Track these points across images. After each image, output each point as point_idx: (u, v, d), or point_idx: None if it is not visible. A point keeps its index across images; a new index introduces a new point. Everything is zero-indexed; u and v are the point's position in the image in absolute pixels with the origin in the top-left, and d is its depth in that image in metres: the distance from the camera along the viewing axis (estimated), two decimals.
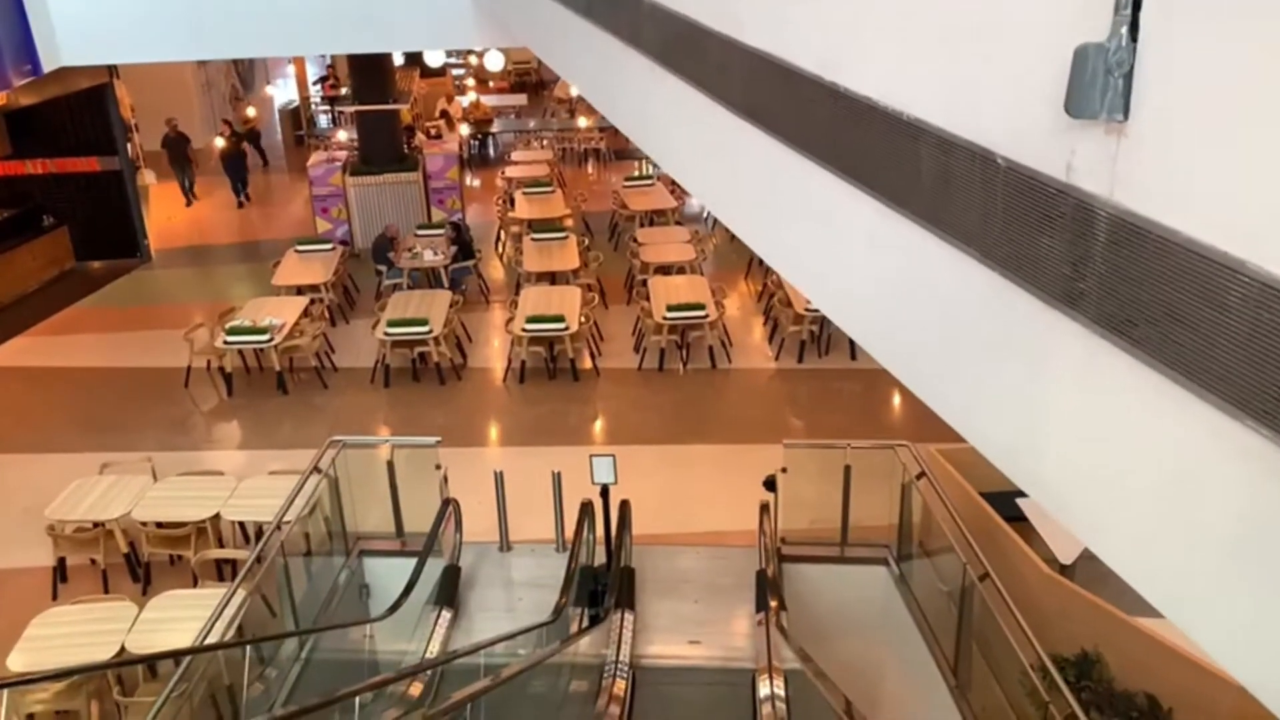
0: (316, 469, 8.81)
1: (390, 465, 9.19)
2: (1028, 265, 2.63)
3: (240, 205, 19.32)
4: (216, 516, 9.20)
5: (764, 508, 8.88)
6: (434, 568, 8.83)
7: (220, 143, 18.73)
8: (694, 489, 10.73)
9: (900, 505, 8.79)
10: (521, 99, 24.80)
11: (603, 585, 8.34)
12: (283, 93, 26.05)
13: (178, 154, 19.04)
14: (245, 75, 26.43)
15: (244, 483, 9.61)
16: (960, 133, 2.91)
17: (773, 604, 7.58)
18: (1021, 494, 7.93)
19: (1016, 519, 8.40)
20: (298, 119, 22.24)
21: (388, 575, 9.09)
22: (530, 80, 27.26)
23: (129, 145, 19.73)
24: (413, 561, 8.66)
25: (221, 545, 9.36)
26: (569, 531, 8.85)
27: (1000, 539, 7.91)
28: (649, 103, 5.97)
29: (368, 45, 12.84)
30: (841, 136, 3.65)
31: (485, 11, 11.96)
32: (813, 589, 9.04)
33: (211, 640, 6.99)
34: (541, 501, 9.12)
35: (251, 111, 20.70)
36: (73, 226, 16.36)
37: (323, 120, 23.69)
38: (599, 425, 12.16)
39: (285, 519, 8.21)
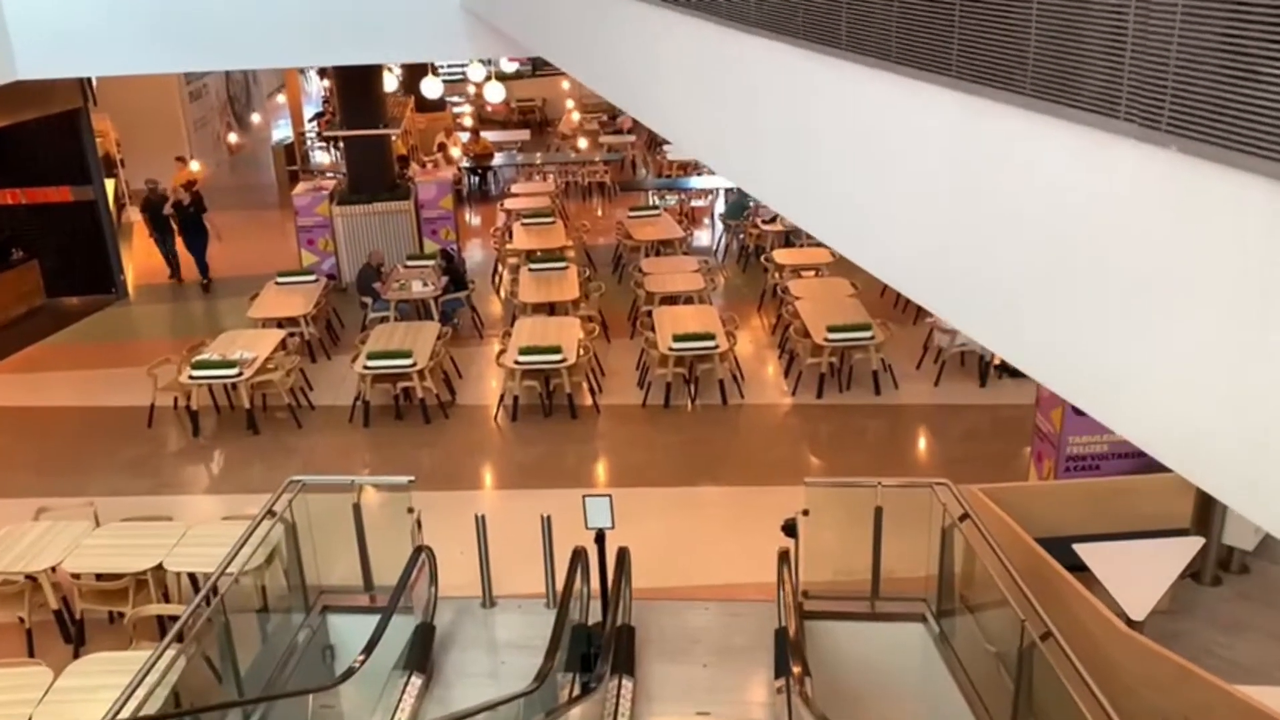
0: (271, 513, 7.73)
1: (357, 508, 8.11)
2: None
3: (206, 288, 16.25)
4: (159, 567, 8.09)
5: (783, 556, 7.79)
6: (405, 626, 7.74)
7: (196, 166, 17.62)
8: (703, 536, 9.61)
9: (940, 552, 7.66)
10: (524, 135, 23.98)
11: (597, 646, 7.19)
12: (283, 132, 25.33)
13: (159, 219, 16.34)
14: (241, 112, 25.73)
15: (193, 530, 8.53)
16: None
17: (795, 668, 6.49)
18: (1079, 539, 6.60)
19: (1074, 568, 7.29)
20: (292, 155, 21.43)
21: (356, 635, 7.91)
22: (534, 118, 26.51)
23: (115, 181, 18.98)
24: (395, 619, 7.58)
25: (167, 599, 8.25)
26: (562, 584, 7.72)
27: (1063, 591, 6.77)
28: (652, 58, 4.95)
29: (351, 57, 11.94)
30: (903, 10, 2.59)
31: (476, 19, 11.08)
32: (840, 650, 7.94)
33: (129, 712, 5.89)
34: (534, 551, 8.05)
35: (195, 165, 18.71)
36: (44, 260, 15.43)
37: (320, 157, 22.88)
38: (599, 466, 11.06)
39: (231, 569, 7.13)
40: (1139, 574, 7.36)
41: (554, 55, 7.60)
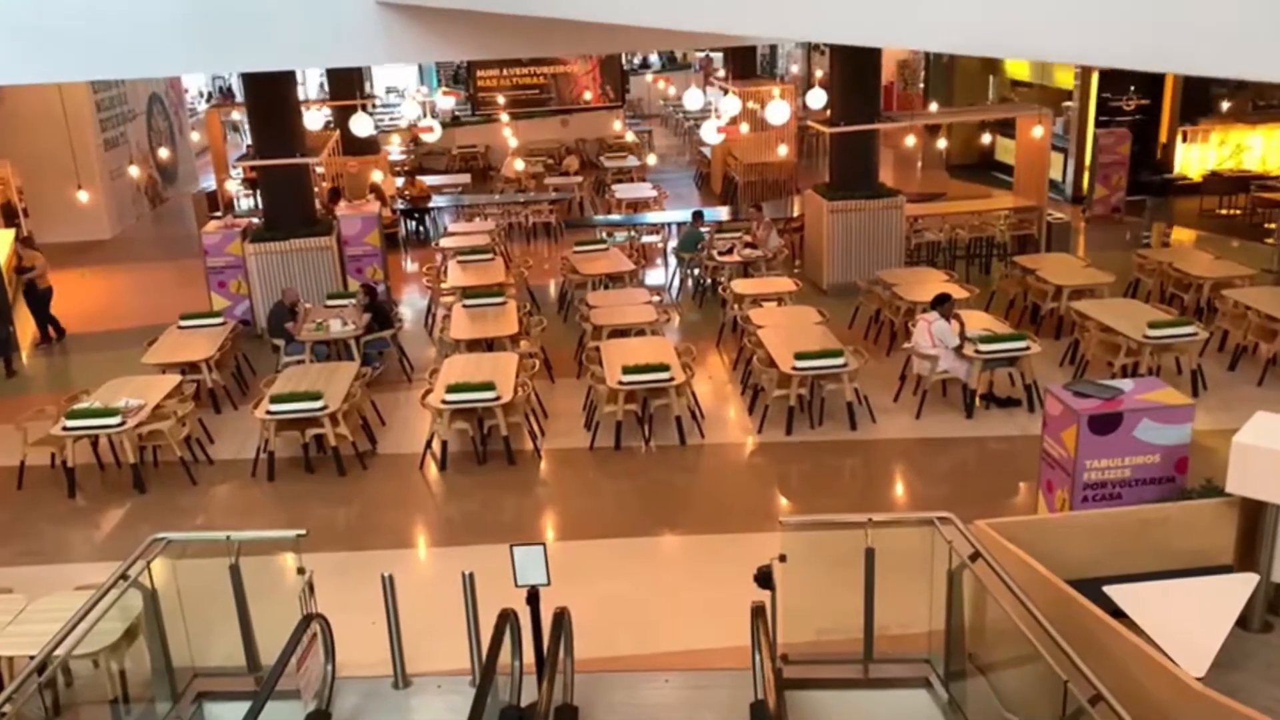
0: (123, 578, 6.25)
1: (235, 570, 6.63)
2: None
3: None
4: None
5: (757, 612, 6.45)
6: (293, 715, 6.27)
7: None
8: (662, 593, 8.23)
9: (947, 601, 6.32)
10: (465, 179, 22.73)
11: None
12: (210, 182, 23.89)
13: None
14: (163, 163, 24.31)
15: (36, 603, 6.99)
16: None
17: None
18: (1108, 580, 5.11)
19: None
20: (214, 202, 20.02)
21: None
22: (477, 165, 25.32)
23: (15, 231, 17.46)
24: (280, 706, 6.13)
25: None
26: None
27: (1109, 644, 5.45)
28: None
29: (245, 63, 10.63)
30: None
31: (394, 18, 9.81)
32: None
33: None
34: (463, 618, 6.66)
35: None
36: None
37: (245, 204, 21.44)
38: (540, 517, 9.62)
39: (65, 649, 5.63)
40: (1188, 620, 6.08)
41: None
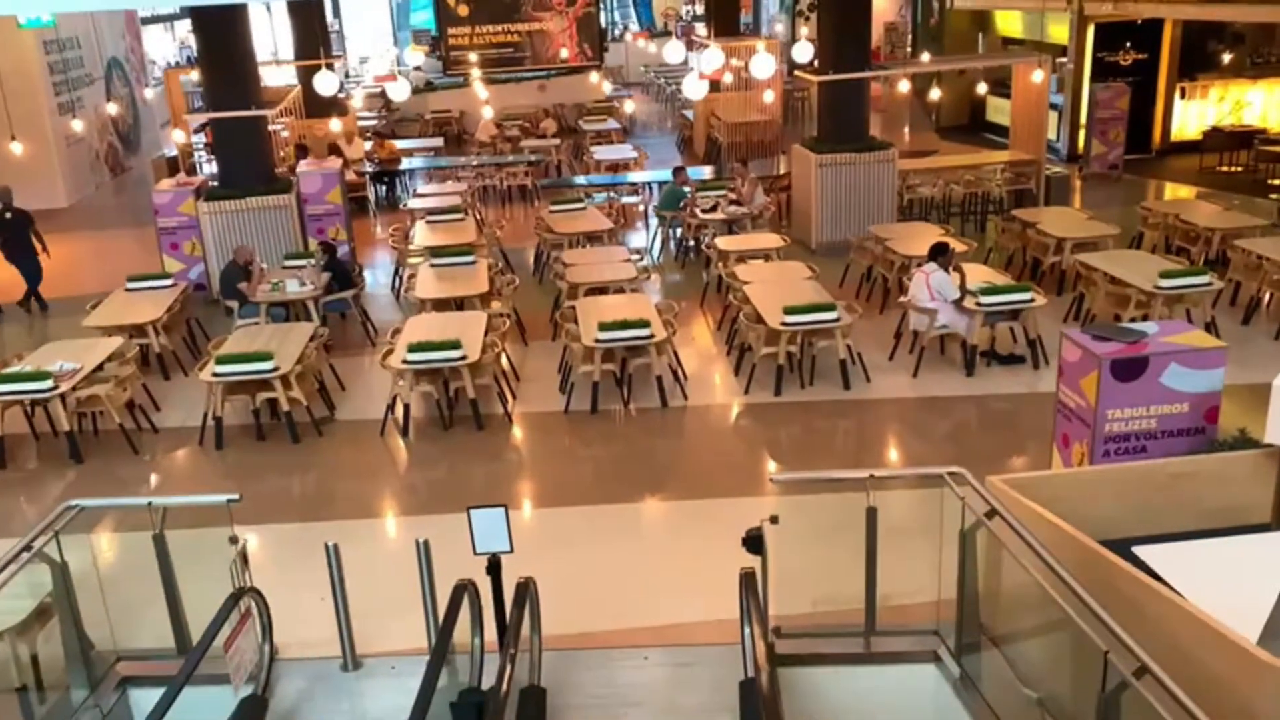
0: (27, 549, 5.52)
1: (160, 540, 5.91)
2: None
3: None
4: None
5: (746, 580, 5.77)
6: (225, 702, 5.58)
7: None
8: (642, 562, 7.56)
9: (960, 565, 5.66)
10: (438, 143, 21.88)
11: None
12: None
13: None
14: (127, 132, 23.38)
15: None
16: None
17: None
18: (1137, 540, 4.41)
19: None
20: (175, 167, 19.12)
21: (169, 716, 5.69)
22: (450, 131, 24.47)
23: None
24: (208, 691, 5.47)
25: None
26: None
27: (1148, 608, 4.77)
28: None
29: None
30: None
31: None
32: (827, 704, 5.97)
33: None
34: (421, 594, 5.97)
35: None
36: None
37: (208, 170, 20.57)
38: (511, 485, 8.89)
39: None
40: (1230, 583, 5.41)
41: None
